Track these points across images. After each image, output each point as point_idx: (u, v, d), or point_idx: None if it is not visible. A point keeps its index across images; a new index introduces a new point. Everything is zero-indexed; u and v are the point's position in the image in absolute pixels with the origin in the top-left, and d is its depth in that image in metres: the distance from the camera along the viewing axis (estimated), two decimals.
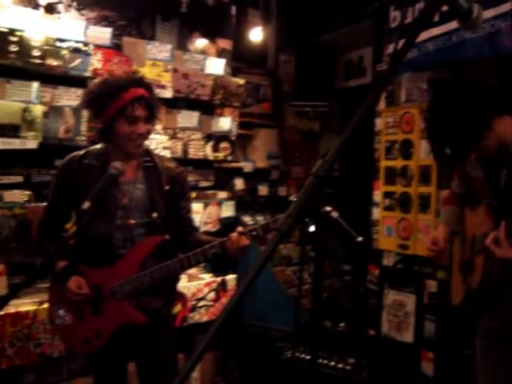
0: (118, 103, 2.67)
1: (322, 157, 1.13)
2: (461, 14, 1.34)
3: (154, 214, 2.82)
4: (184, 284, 4.44)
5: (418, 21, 1.30)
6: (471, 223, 2.78)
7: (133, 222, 2.79)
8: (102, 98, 2.71)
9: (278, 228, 1.07)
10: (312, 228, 1.49)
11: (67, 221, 2.85)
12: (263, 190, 6.05)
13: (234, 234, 2.68)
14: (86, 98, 2.83)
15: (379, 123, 4.64)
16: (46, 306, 2.92)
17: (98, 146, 2.90)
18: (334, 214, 1.01)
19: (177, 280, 3.05)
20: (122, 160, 2.73)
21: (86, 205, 2.43)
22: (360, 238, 1.52)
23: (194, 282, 4.55)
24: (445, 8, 1.37)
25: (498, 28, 3.47)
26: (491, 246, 2.27)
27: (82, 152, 2.88)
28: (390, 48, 4.54)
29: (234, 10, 5.55)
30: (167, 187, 2.88)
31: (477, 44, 3.61)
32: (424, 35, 4.09)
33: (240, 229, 2.72)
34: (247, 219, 5.45)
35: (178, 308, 4.29)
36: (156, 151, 4.28)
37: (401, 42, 1.25)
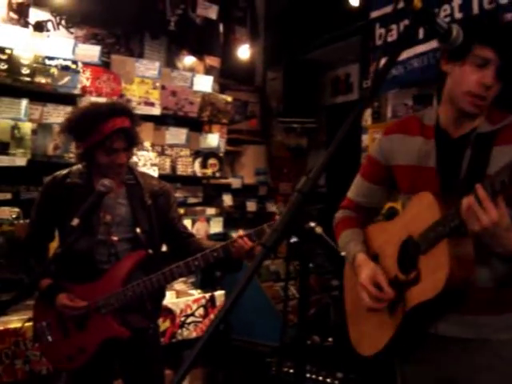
0: (97, 136, 2.69)
1: (307, 173, 1.16)
2: (440, 34, 1.38)
3: (138, 230, 2.84)
4: (172, 300, 4.44)
5: (398, 41, 1.34)
6: (387, 239, 2.13)
7: (116, 238, 2.81)
8: (81, 128, 2.74)
9: (263, 243, 1.10)
10: (293, 239, 1.53)
11: (50, 239, 2.89)
12: (251, 205, 6.07)
13: (240, 236, 2.72)
14: (66, 126, 2.85)
15: (366, 139, 4.69)
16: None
17: (81, 166, 2.92)
18: (318, 230, 1.04)
19: (162, 296, 3.06)
20: (104, 178, 2.75)
21: (75, 222, 2.44)
22: (343, 253, 1.59)
23: (183, 298, 4.54)
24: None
25: None
26: (470, 216, 1.64)
27: (64, 171, 2.91)
28: (374, 65, 4.59)
29: (221, 27, 5.61)
30: (150, 202, 2.90)
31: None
32: (409, 53, 4.16)
33: (240, 233, 2.74)
34: (236, 235, 5.45)
35: (166, 324, 4.29)
36: (144, 168, 4.33)
37: (382, 61, 1.29)
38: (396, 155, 2.14)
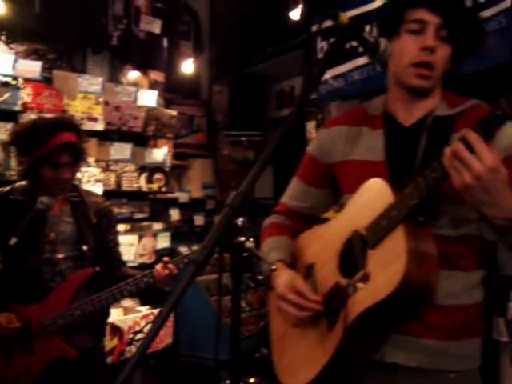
0: (44, 149, 2.67)
1: (236, 188, 1.17)
2: (368, 49, 1.41)
3: (84, 247, 2.82)
4: (120, 318, 4.39)
5: (325, 56, 1.35)
6: (324, 245, 1.81)
7: (60, 256, 2.78)
8: (27, 142, 2.71)
9: (193, 259, 1.10)
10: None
11: None
12: (199, 219, 6.06)
13: (159, 264, 2.70)
14: (12, 139, 2.82)
15: None
16: None
17: (24, 182, 2.88)
18: (249, 244, 1.04)
19: (107, 314, 3.03)
20: (48, 195, 2.71)
21: (13, 241, 2.41)
22: (274, 267, 1.56)
23: (131, 315, 4.49)
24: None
25: None
26: (457, 166, 1.32)
27: (7, 188, 2.86)
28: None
29: (165, 42, 5.60)
30: (95, 220, 2.88)
31: None
32: (350, 65, 4.24)
33: (166, 259, 2.74)
34: (184, 249, 5.43)
35: (114, 342, 4.23)
36: (88, 184, 4.28)
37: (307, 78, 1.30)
38: (338, 150, 1.84)
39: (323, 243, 1.79)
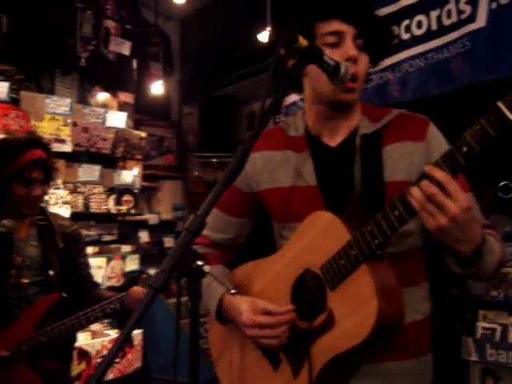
0: (15, 165, 2.63)
1: (195, 212, 1.16)
2: (328, 72, 1.41)
3: (51, 272, 2.77)
4: (88, 342, 4.33)
5: (286, 80, 1.35)
6: (270, 281, 1.67)
7: (26, 280, 2.73)
8: None
9: (150, 284, 1.09)
10: None
11: None
12: (169, 241, 6.03)
13: (134, 289, 2.67)
14: None
15: None
16: None
17: None
18: (206, 268, 1.04)
19: (74, 339, 2.98)
20: (15, 218, 2.67)
21: None
22: (233, 291, 1.53)
23: (99, 339, 4.43)
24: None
25: (386, 79, 3.72)
26: (432, 210, 1.25)
27: None
28: (285, 101, 4.69)
29: (135, 63, 5.60)
30: (62, 245, 2.84)
31: (367, 94, 3.80)
32: None
33: (141, 280, 2.73)
34: (153, 272, 5.39)
35: (82, 367, 4.17)
36: (56, 206, 4.23)
37: (268, 101, 1.29)
38: (262, 178, 1.72)
39: (269, 281, 1.66)
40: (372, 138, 1.59)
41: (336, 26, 1.54)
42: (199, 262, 1.10)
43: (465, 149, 1.21)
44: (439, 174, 1.23)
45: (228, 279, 1.74)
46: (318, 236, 1.51)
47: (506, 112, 1.16)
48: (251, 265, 1.77)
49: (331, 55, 1.45)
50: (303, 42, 1.31)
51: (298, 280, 1.55)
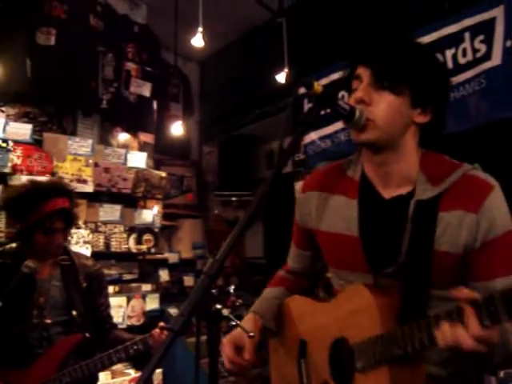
0: (37, 215, 2.68)
1: (213, 256, 1.18)
2: (343, 116, 1.43)
3: (74, 312, 2.80)
4: (108, 381, 4.33)
5: (301, 123, 1.37)
6: (316, 327, 1.72)
7: (49, 321, 2.75)
8: (20, 207, 2.72)
9: (171, 327, 1.10)
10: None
11: None
12: (189, 280, 6.03)
13: (156, 330, 2.68)
14: (5, 205, 2.84)
15: None
16: None
17: (14, 245, 2.88)
18: (225, 312, 1.05)
19: (96, 379, 2.99)
20: (39, 258, 2.72)
21: None
22: (252, 334, 1.54)
23: (119, 379, 4.42)
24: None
25: None
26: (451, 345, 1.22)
27: None
28: (305, 139, 4.74)
29: (155, 104, 5.68)
30: (85, 285, 2.87)
31: None
32: (336, 126, 4.33)
33: (162, 324, 2.73)
34: (173, 311, 5.39)
35: None
36: (77, 246, 4.27)
37: (286, 141, 1.32)
38: (315, 218, 1.73)
39: (316, 325, 1.70)
40: (428, 205, 1.50)
41: (358, 70, 1.56)
42: (218, 306, 1.12)
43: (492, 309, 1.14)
44: (471, 322, 1.18)
45: (268, 302, 1.86)
46: (356, 312, 1.51)
47: None
48: (304, 300, 1.82)
49: (351, 99, 1.49)
50: (318, 87, 1.34)
51: (335, 343, 1.58)
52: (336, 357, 1.58)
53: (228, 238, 1.20)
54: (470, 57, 3.61)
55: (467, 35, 3.60)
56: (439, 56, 3.76)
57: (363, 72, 1.53)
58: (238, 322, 1.53)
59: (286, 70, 5.01)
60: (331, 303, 1.65)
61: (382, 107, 1.49)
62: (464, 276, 1.47)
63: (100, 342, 2.88)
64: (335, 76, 4.40)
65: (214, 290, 1.48)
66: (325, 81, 4.42)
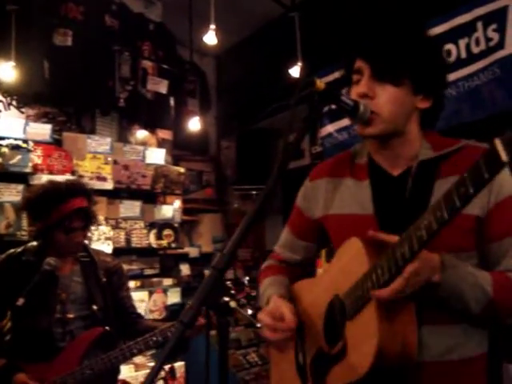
0: (56, 215, 2.74)
1: (221, 250, 1.22)
2: (347, 111, 1.46)
3: (94, 307, 2.85)
4: (131, 374, 4.40)
5: (305, 120, 1.40)
6: (312, 301, 1.72)
7: (71, 315, 2.81)
8: (39, 208, 2.78)
9: (180, 319, 1.15)
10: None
11: (2, 318, 2.86)
12: None
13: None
14: (25, 205, 2.89)
15: None
16: None
17: (36, 243, 2.93)
18: (233, 304, 1.09)
19: (118, 371, 3.04)
20: (59, 256, 2.78)
21: (21, 301, 2.46)
22: (259, 325, 1.57)
23: (142, 371, 4.49)
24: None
25: None
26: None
27: (19, 249, 2.91)
28: (321, 132, 4.76)
29: (172, 101, 5.73)
30: (104, 280, 2.93)
31: None
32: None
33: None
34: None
35: None
36: (98, 242, 4.35)
37: (291, 136, 1.35)
38: (324, 204, 1.75)
39: (312, 300, 1.70)
40: (428, 166, 1.56)
41: (357, 63, 1.59)
42: (226, 299, 1.16)
43: (462, 190, 1.12)
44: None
45: (282, 285, 1.81)
46: (346, 263, 1.53)
47: (501, 152, 1.04)
48: (305, 281, 1.83)
49: (353, 93, 1.53)
50: (320, 84, 1.37)
51: (330, 304, 1.57)
52: (330, 321, 1.57)
53: (235, 233, 1.24)
54: (483, 46, 3.60)
55: (479, 24, 3.60)
56: (452, 46, 3.76)
57: (363, 65, 1.56)
58: (246, 314, 1.57)
59: (300, 63, 5.03)
60: (325, 268, 1.73)
61: (386, 99, 1.52)
62: (480, 241, 1.49)
63: (127, 334, 2.93)
64: None
65: (228, 282, 1.48)
66: (338, 74, 4.43)
